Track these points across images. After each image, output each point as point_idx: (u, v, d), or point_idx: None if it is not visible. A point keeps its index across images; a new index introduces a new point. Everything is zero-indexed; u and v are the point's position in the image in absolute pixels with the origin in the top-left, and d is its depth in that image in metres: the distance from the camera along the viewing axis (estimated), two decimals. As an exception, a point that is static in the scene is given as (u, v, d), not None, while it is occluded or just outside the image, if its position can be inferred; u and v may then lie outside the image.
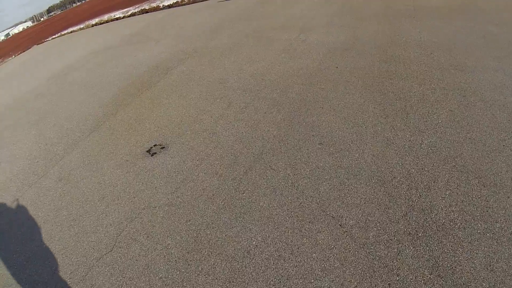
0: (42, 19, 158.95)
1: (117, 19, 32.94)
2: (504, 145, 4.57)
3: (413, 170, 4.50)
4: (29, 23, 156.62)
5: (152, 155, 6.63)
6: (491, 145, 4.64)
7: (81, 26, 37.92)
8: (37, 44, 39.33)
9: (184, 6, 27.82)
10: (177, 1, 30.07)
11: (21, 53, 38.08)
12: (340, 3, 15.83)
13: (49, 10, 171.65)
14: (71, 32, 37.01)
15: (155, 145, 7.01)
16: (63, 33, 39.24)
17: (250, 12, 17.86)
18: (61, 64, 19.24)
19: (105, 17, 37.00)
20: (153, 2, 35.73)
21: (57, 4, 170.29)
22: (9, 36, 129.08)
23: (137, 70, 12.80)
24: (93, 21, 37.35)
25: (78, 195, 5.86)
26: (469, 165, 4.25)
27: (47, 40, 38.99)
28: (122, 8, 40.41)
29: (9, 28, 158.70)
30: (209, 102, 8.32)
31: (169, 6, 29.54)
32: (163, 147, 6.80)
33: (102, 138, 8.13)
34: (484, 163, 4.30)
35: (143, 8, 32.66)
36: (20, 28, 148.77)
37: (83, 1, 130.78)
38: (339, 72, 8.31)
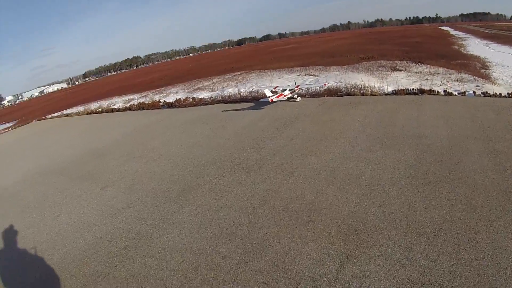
0: (77, 82, 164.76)
1: (112, 110, 29.04)
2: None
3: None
4: (64, 85, 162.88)
5: None
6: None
7: (82, 109, 34.53)
8: (37, 120, 36.35)
9: (184, 108, 23.37)
10: (179, 99, 25.78)
11: (20, 126, 35.16)
12: (417, 146, 10.13)
13: (85, 75, 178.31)
14: (67, 115, 33.62)
15: None
16: (65, 112, 36.03)
17: (260, 145, 12.47)
18: (14, 177, 14.97)
19: (106, 103, 33.60)
20: (160, 93, 32.12)
21: (93, 70, 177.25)
22: (43, 94, 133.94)
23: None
24: (94, 106, 34.03)
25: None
26: None
27: (47, 118, 35.87)
28: (132, 93, 37.53)
29: (45, 86, 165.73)
30: None
31: (169, 105, 25.39)
32: None
33: None
34: None
35: (142, 101, 28.72)
36: (54, 87, 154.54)
37: (116, 72, 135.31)
38: None
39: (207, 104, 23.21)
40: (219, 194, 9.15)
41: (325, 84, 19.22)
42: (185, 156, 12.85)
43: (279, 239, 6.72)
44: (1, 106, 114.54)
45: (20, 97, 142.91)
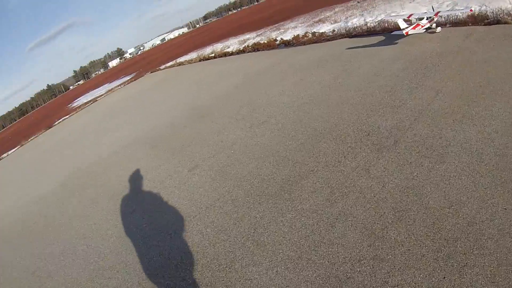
0: (198, 25, 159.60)
1: (225, 54, 27.06)
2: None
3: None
4: (185, 29, 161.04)
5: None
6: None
7: (195, 55, 33.49)
8: (151, 72, 37.32)
9: (302, 46, 19.72)
10: (297, 36, 21.82)
11: (133, 81, 36.63)
12: None
13: (205, 17, 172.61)
14: (180, 64, 33.60)
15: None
16: (178, 61, 35.74)
17: (395, 102, 8.41)
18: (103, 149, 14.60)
19: (221, 46, 31.94)
20: (277, 29, 28.51)
21: (213, 11, 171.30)
22: (164, 41, 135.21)
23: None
24: (208, 51, 32.71)
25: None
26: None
27: (160, 69, 36.46)
28: (249, 32, 34.75)
29: (165, 33, 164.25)
30: None
31: (286, 44, 21.84)
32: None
33: None
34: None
35: (257, 41, 25.85)
36: (176, 33, 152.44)
37: (237, 10, 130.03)
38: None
39: (328, 40, 18.67)
40: (336, 192, 5.56)
41: (470, 10, 12.69)
42: (297, 118, 9.39)
43: None
44: (124, 59, 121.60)
45: (141, 48, 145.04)
